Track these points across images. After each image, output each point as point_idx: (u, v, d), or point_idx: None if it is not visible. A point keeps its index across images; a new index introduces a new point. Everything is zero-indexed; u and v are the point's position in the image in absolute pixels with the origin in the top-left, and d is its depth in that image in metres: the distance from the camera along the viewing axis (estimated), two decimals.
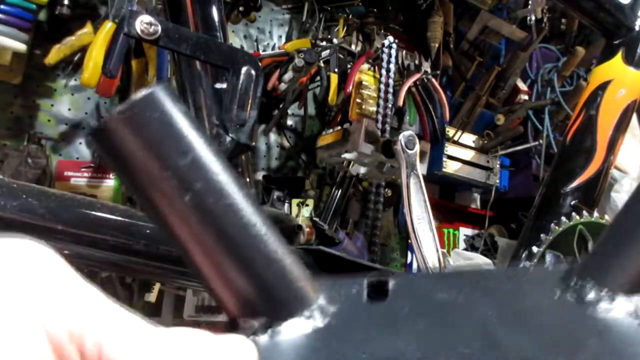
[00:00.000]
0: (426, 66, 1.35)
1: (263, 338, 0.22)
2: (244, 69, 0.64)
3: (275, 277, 0.22)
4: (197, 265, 0.22)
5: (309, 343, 0.21)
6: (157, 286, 1.15)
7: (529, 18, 1.56)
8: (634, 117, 0.81)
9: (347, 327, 0.22)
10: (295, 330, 0.22)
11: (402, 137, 0.83)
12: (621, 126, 0.77)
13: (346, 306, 0.23)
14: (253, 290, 0.22)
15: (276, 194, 1.28)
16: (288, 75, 1.20)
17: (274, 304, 0.22)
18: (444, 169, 1.41)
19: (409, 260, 1.51)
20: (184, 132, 0.20)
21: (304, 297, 0.23)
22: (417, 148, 0.84)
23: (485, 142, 1.48)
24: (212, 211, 0.21)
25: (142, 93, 0.19)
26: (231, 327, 0.22)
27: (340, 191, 1.35)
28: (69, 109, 1.22)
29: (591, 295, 0.21)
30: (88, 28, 1.03)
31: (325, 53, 1.26)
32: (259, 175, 1.38)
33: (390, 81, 1.23)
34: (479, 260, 1.28)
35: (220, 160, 0.21)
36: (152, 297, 1.15)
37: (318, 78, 1.28)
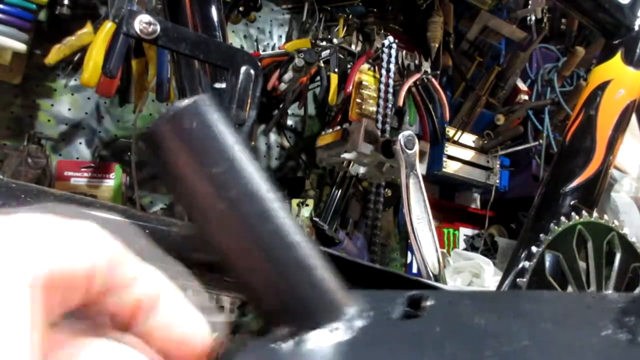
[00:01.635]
0: (426, 66, 1.35)
1: (287, 345, 0.22)
2: (243, 69, 0.64)
3: (306, 286, 0.22)
4: (232, 267, 0.23)
5: (331, 356, 0.21)
6: None
7: (529, 18, 1.56)
8: (634, 117, 0.81)
9: (372, 344, 0.22)
10: (319, 341, 0.22)
11: (401, 137, 0.83)
12: (620, 126, 0.76)
13: (375, 322, 0.23)
14: (283, 298, 0.22)
15: None
16: (288, 75, 1.20)
17: (303, 313, 0.22)
18: (444, 169, 1.41)
19: (408, 260, 1.51)
20: (219, 141, 0.21)
21: (333, 308, 0.23)
22: (417, 148, 0.84)
23: (485, 142, 1.48)
24: (246, 217, 0.22)
25: (184, 102, 0.21)
26: (262, 331, 0.23)
27: (340, 191, 1.35)
28: (69, 109, 1.22)
29: None
30: (88, 28, 1.03)
31: (325, 53, 1.26)
32: None
33: (390, 81, 1.23)
34: (479, 260, 1.28)
35: (256, 169, 0.22)
36: None
37: (318, 78, 1.28)
